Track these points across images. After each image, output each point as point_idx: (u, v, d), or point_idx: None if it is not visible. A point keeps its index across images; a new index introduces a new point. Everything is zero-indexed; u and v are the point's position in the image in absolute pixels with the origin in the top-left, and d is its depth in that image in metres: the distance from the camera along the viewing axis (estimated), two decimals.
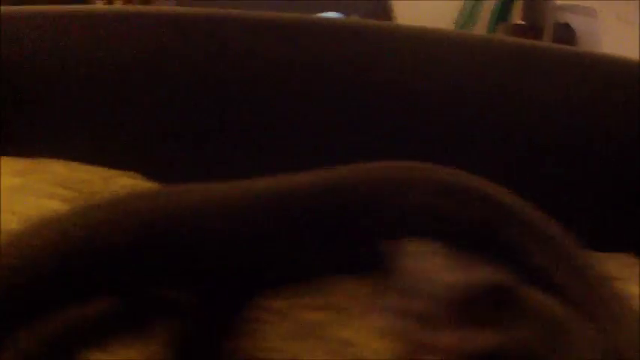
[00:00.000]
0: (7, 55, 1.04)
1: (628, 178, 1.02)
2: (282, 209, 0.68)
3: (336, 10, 2.81)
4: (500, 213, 0.71)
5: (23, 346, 0.60)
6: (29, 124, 1.06)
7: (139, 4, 2.80)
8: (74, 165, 0.99)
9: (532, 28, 3.17)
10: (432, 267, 0.52)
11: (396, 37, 1.09)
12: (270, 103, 1.06)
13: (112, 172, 0.97)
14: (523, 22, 3.28)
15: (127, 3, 3.14)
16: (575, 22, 3.30)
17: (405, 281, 0.51)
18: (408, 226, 0.68)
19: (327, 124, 1.05)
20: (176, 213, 0.66)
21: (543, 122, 1.05)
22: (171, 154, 1.05)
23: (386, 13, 2.85)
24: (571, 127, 1.04)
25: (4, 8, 1.05)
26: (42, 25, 1.06)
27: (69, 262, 0.61)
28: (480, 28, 3.29)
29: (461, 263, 0.54)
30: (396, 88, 1.05)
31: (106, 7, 1.14)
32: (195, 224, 0.66)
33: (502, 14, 3.32)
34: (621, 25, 3.13)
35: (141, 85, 1.06)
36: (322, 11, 2.66)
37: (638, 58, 1.08)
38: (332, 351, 0.67)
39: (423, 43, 1.07)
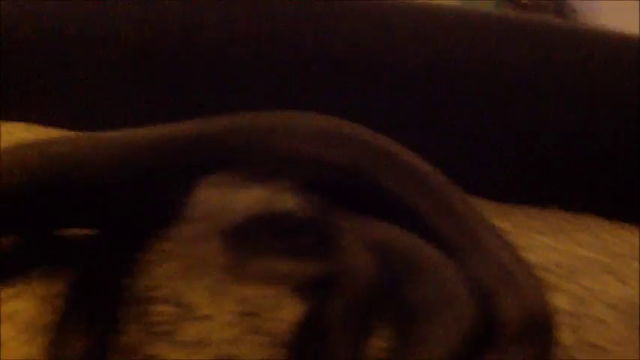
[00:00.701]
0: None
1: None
2: (161, 156, 0.71)
3: None
4: (374, 157, 0.73)
5: None
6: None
7: None
8: None
9: (534, 5, 3.12)
10: (226, 194, 0.53)
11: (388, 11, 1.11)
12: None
13: None
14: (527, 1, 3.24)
15: None
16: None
17: (199, 208, 0.52)
18: (281, 172, 0.71)
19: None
20: (65, 160, 0.71)
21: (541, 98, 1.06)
22: None
23: None
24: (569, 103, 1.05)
25: None
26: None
27: None
28: (486, 5, 3.24)
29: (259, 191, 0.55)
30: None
31: None
32: (87, 169, 0.70)
33: None
34: (622, 4, 3.09)
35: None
36: None
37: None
38: (214, 285, 0.71)
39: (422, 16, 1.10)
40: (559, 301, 0.74)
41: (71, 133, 0.99)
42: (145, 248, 0.73)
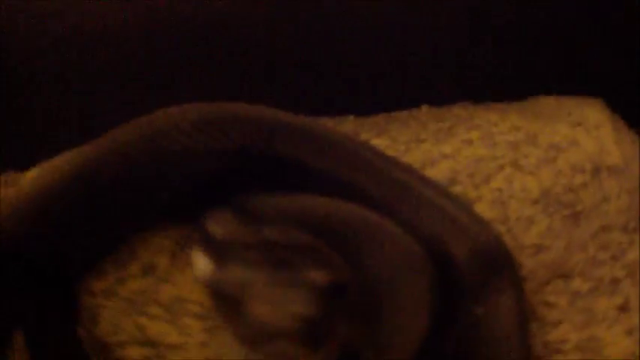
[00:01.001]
0: None
1: None
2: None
3: None
4: (272, 129, 0.73)
5: None
6: None
7: None
8: None
9: None
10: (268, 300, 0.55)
11: None
12: None
13: None
14: None
15: None
16: None
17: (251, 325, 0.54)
18: (181, 170, 0.72)
19: None
20: None
21: None
22: None
23: None
24: None
25: None
26: None
27: None
28: None
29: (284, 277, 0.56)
30: None
31: None
32: None
33: None
34: None
35: None
36: None
37: None
38: (166, 313, 0.70)
39: None
40: (480, 211, 0.77)
41: None
42: (78, 291, 0.72)
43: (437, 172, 0.81)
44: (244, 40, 0.95)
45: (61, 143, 0.85)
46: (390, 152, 0.79)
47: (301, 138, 0.74)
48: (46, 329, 0.68)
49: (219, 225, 0.60)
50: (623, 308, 0.68)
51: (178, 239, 0.74)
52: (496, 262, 0.67)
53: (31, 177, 0.76)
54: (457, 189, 0.79)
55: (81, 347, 0.68)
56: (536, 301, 0.69)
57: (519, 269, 0.71)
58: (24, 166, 0.85)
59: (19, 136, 0.93)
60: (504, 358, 0.62)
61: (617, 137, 0.85)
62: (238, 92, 0.92)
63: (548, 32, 0.97)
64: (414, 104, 0.96)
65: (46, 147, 0.86)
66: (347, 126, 0.91)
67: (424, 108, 0.95)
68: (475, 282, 0.66)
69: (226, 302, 0.56)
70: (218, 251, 0.58)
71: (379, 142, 0.85)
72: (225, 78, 0.96)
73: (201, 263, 0.58)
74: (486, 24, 0.97)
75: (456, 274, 0.67)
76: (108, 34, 0.95)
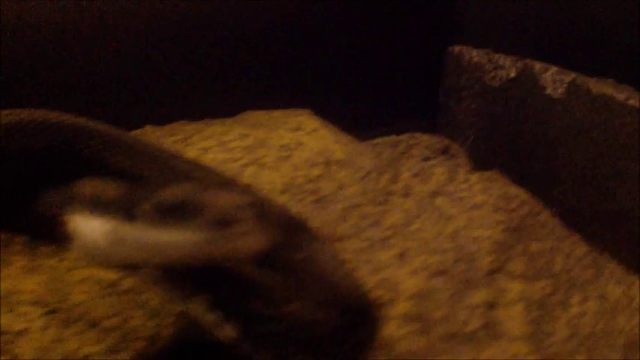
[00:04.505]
0: None
1: None
2: None
3: None
4: (74, 133, 0.83)
5: None
6: None
7: None
8: None
9: None
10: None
11: None
12: None
13: None
14: None
15: None
16: None
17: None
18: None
19: None
20: None
21: None
22: None
23: None
24: None
25: None
26: None
27: None
28: None
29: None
30: None
31: None
32: None
33: None
34: None
35: None
36: None
37: None
38: (4, 305, 0.76)
39: None
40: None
41: None
42: None
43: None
44: None
45: None
46: None
47: (100, 139, 0.83)
48: None
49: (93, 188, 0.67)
50: (402, 256, 0.84)
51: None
52: (295, 224, 0.80)
53: None
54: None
55: None
56: None
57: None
58: None
59: None
60: (335, 287, 0.74)
61: (335, 137, 1.01)
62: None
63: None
64: (138, 126, 1.06)
65: None
66: None
67: (148, 127, 1.05)
68: (285, 240, 0.78)
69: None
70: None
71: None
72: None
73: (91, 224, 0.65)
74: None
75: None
76: None
